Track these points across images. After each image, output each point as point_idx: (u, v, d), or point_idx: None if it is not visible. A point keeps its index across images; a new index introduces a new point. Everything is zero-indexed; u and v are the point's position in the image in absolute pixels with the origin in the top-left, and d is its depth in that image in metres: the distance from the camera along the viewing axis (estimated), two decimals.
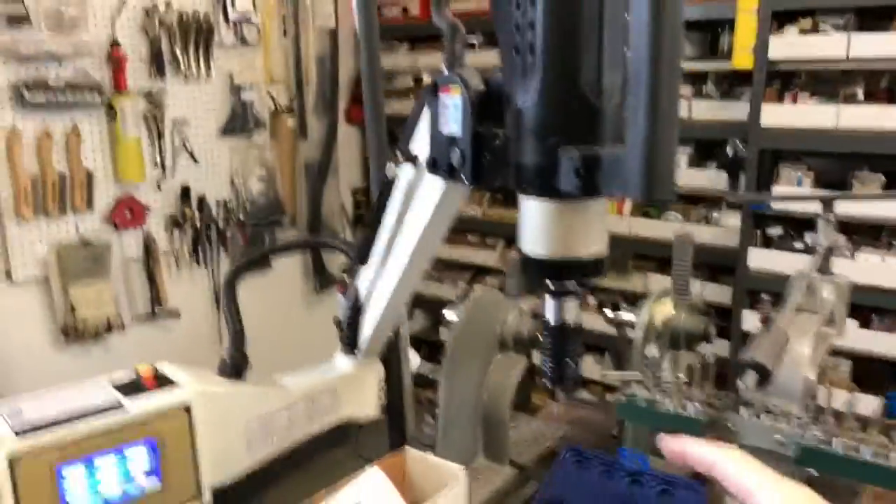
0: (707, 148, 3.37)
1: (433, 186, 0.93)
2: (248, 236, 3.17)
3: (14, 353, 2.54)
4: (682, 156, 3.40)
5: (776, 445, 1.00)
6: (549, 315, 0.75)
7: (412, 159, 0.97)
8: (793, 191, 2.84)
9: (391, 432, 1.45)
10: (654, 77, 0.57)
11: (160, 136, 2.84)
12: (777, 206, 2.86)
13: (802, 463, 0.97)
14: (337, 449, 1.29)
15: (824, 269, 1.27)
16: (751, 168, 2.92)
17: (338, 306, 1.28)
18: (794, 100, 2.89)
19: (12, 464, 0.88)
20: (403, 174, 1.01)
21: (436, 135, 0.86)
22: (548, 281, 0.75)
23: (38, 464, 0.90)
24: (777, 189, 2.82)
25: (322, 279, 3.66)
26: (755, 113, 2.85)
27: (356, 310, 1.22)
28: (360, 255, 1.12)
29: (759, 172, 2.96)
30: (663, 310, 1.39)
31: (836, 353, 2.94)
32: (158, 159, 2.85)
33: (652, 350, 1.13)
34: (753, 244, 3.02)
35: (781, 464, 1.05)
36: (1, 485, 0.87)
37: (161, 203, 2.92)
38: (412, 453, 1.32)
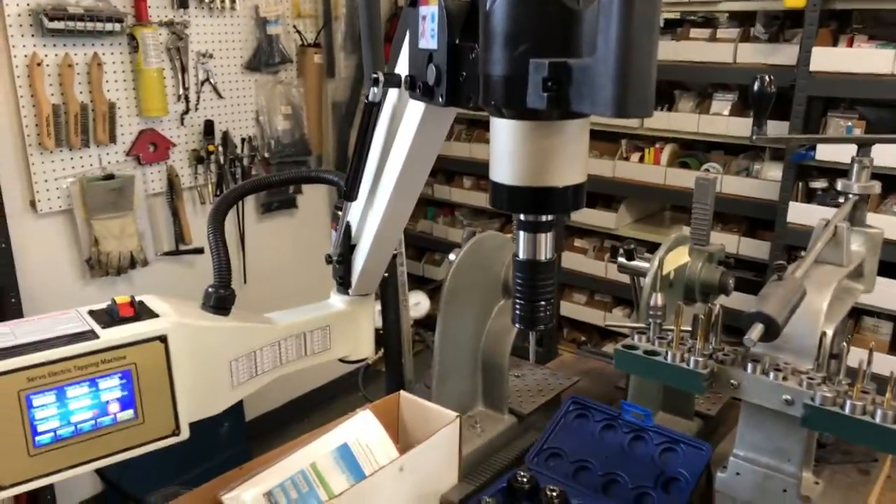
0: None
1: (414, 109, 0.86)
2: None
3: (40, 284, 2.57)
4: (725, 103, 3.24)
5: (782, 405, 0.92)
6: (521, 249, 0.68)
7: (395, 81, 0.89)
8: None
9: (388, 376, 1.41)
10: None
11: (184, 69, 2.80)
12: (822, 157, 2.69)
13: (809, 425, 0.90)
14: (349, 396, 1.25)
15: (855, 218, 1.16)
16: (797, 116, 2.75)
17: (331, 243, 1.23)
18: (850, 43, 2.69)
19: None
20: (388, 98, 0.94)
21: (414, 51, 0.78)
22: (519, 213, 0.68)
23: (4, 389, 0.88)
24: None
25: None
26: (805, 56, 2.67)
27: (347, 245, 1.17)
28: (348, 188, 1.06)
29: (805, 121, 2.79)
30: (678, 258, 1.31)
31: (875, 313, 2.80)
32: (182, 93, 2.81)
33: (657, 299, 1.05)
34: (795, 198, 2.87)
35: (786, 425, 0.97)
36: None
37: (185, 138, 2.89)
38: (406, 397, 1.28)
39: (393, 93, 0.93)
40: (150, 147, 2.76)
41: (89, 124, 2.57)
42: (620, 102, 0.51)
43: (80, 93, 2.54)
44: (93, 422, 0.95)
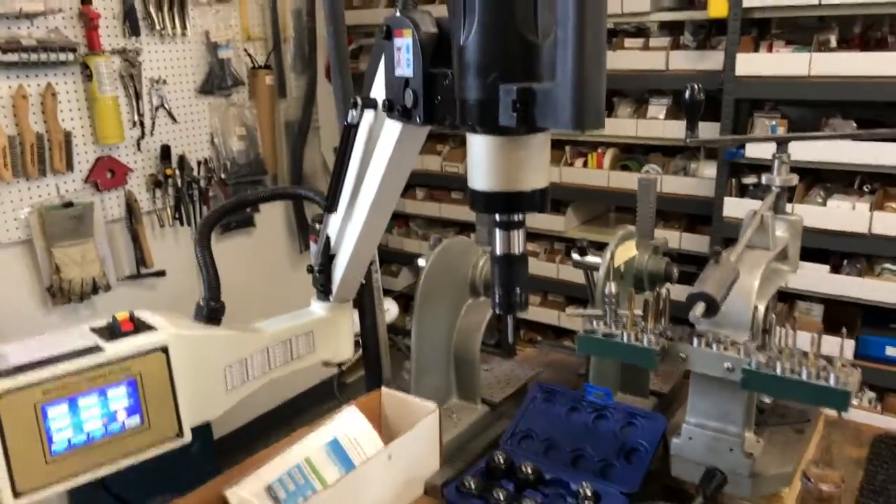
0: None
1: (391, 129, 0.97)
2: (230, 195, 3.19)
3: (1, 315, 2.57)
4: (660, 108, 3.43)
5: (724, 372, 1.05)
6: (497, 246, 0.80)
7: (372, 104, 1.00)
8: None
9: (368, 376, 1.50)
10: (580, 12, 0.60)
11: (138, 95, 2.83)
12: (752, 154, 2.90)
13: (748, 386, 1.03)
14: (314, 410, 1.33)
15: (778, 207, 1.31)
16: (726, 118, 2.95)
17: (311, 254, 1.32)
18: (770, 49, 2.91)
19: None
20: (364, 120, 1.04)
21: (390, 77, 0.89)
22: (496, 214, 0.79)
23: (22, 403, 0.94)
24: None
25: (306, 239, 3.69)
26: (731, 62, 2.87)
27: (328, 256, 1.26)
28: (328, 202, 1.16)
29: (735, 122, 3.00)
30: (627, 252, 1.44)
31: (808, 297, 3.02)
32: (137, 119, 2.85)
33: (611, 287, 1.17)
34: (729, 194, 3.07)
35: (729, 391, 1.11)
36: None
37: (142, 163, 2.92)
38: (387, 393, 1.38)
39: (369, 115, 1.04)
40: (108, 173, 2.79)
41: (46, 153, 2.59)
42: (579, 119, 0.63)
43: (35, 123, 2.56)
44: (103, 429, 1.02)
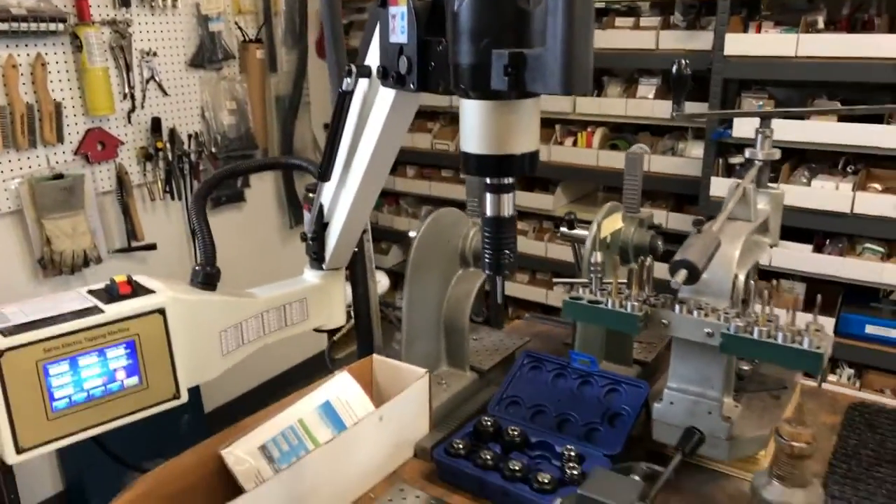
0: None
1: (385, 96, 0.99)
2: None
3: None
4: (650, 87, 3.46)
5: (704, 337, 1.09)
6: (488, 208, 0.82)
7: (366, 72, 1.02)
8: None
9: (359, 344, 1.53)
10: None
11: (128, 67, 2.83)
12: (738, 134, 2.93)
13: (726, 350, 1.07)
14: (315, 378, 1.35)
15: (760, 181, 1.35)
16: (714, 97, 2.98)
17: (305, 222, 1.34)
18: (759, 29, 2.94)
19: None
20: (359, 88, 1.06)
21: (385, 45, 0.91)
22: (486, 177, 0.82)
23: (24, 360, 0.97)
24: (738, 119, 2.89)
25: (296, 214, 3.71)
26: (720, 42, 2.90)
27: (321, 224, 1.29)
28: (322, 171, 1.18)
29: (722, 102, 3.03)
30: (613, 224, 1.48)
31: (791, 276, 3.08)
32: (127, 91, 2.84)
33: (597, 257, 1.21)
34: (716, 173, 3.11)
35: (709, 356, 1.15)
36: None
37: (132, 136, 2.92)
38: (379, 359, 1.41)
39: (363, 83, 1.06)
40: (99, 146, 2.79)
41: (36, 124, 2.59)
42: (567, 83, 0.66)
43: (25, 93, 2.56)
44: (103, 388, 1.05)
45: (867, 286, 2.85)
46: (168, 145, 3.00)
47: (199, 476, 1.12)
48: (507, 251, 0.84)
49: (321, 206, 1.26)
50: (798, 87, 2.98)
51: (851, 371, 2.95)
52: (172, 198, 3.07)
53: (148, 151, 2.96)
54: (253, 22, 3.33)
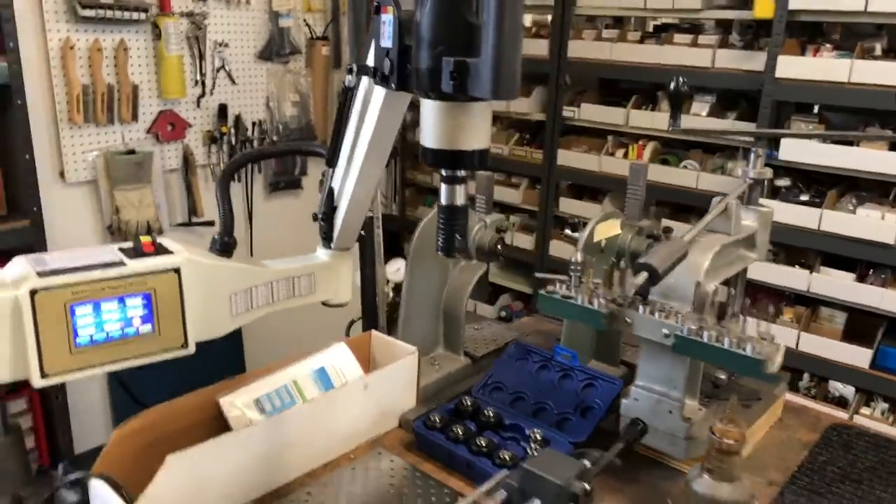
0: (730, 98, 3.42)
1: (378, 94, 1.10)
2: (282, 156, 3.40)
3: (66, 248, 2.84)
4: (704, 105, 3.46)
5: (662, 337, 1.16)
6: (442, 197, 0.93)
7: (366, 71, 1.14)
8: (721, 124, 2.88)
9: (366, 321, 1.65)
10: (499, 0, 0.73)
11: (201, 56, 3.05)
12: (785, 156, 2.91)
13: (678, 350, 1.13)
14: None
15: (749, 198, 1.39)
16: (763, 118, 2.97)
17: (317, 204, 1.47)
18: (816, 53, 2.91)
19: (33, 296, 1.11)
20: (361, 85, 1.18)
21: (377, 48, 1.03)
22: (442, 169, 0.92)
23: (54, 299, 1.13)
24: (785, 140, 2.87)
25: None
26: (772, 63, 2.89)
27: (330, 206, 1.42)
28: (329, 158, 1.31)
29: (774, 124, 3.01)
30: (609, 229, 1.55)
31: (831, 304, 3.03)
32: (199, 78, 3.07)
33: (578, 256, 1.29)
34: (760, 195, 3.08)
35: (672, 358, 1.21)
36: (24, 312, 1.11)
37: (200, 120, 3.15)
38: (377, 335, 1.53)
39: (365, 80, 1.18)
40: (169, 126, 3.02)
41: (114, 103, 2.83)
42: (496, 89, 0.76)
43: (108, 75, 2.81)
44: (121, 331, 1.20)
45: None
46: (232, 130, 3.21)
47: (196, 418, 1.26)
48: (458, 235, 0.94)
49: (331, 190, 1.39)
50: (852, 114, 2.94)
51: (886, 406, 2.88)
52: (233, 180, 3.28)
53: (213, 135, 3.18)
54: (321, 19, 3.51)
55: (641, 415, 1.27)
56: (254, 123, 3.32)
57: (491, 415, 1.37)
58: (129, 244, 1.29)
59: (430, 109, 0.88)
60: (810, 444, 1.42)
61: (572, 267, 1.31)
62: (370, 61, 1.13)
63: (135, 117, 2.90)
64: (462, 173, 0.91)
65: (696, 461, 1.29)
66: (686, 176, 3.46)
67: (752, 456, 1.35)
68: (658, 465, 1.31)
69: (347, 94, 1.18)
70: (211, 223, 3.22)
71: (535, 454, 1.25)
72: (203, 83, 3.09)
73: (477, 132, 0.88)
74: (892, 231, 2.72)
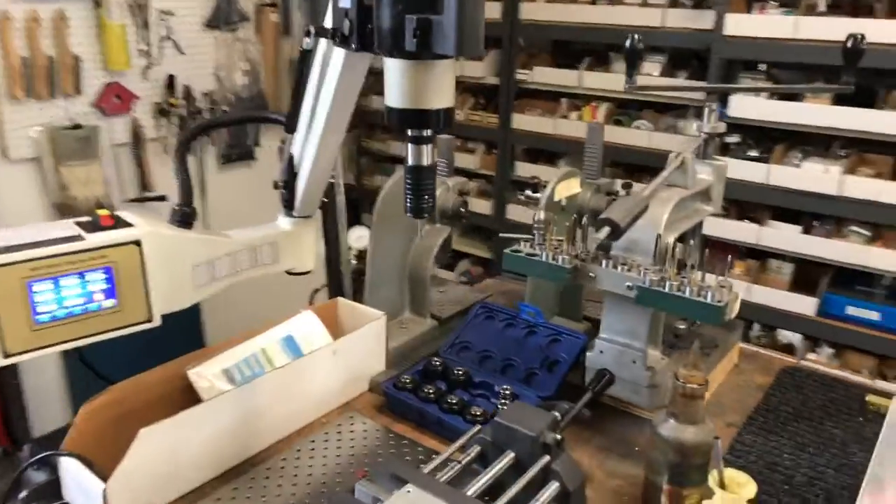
0: (680, 57, 3.46)
1: (338, 56, 1.09)
2: (233, 127, 3.33)
3: (11, 226, 2.75)
4: (655, 65, 3.50)
5: (625, 290, 1.19)
6: (409, 158, 0.93)
7: (325, 33, 1.12)
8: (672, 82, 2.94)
9: (330, 288, 1.65)
10: None
11: (146, 25, 2.95)
12: (735, 114, 2.97)
13: (641, 301, 1.17)
14: None
15: (703, 153, 1.43)
16: (712, 76, 3.02)
17: (277, 171, 1.46)
18: (762, 10, 2.97)
19: None
20: (319, 48, 1.17)
21: (335, 8, 1.01)
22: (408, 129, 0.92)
23: (11, 277, 1.10)
24: (734, 98, 2.93)
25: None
26: (720, 22, 2.93)
27: (291, 173, 1.40)
28: (288, 124, 1.29)
29: (723, 81, 3.06)
30: (569, 188, 1.57)
31: (780, 256, 3.13)
32: (144, 48, 2.97)
33: (541, 215, 1.31)
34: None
35: (634, 310, 1.25)
36: None
37: (148, 92, 3.06)
38: (343, 302, 1.53)
39: (323, 42, 1.16)
40: (115, 99, 2.93)
41: (56, 76, 2.73)
42: (459, 46, 0.76)
43: (47, 47, 2.70)
44: (82, 307, 1.18)
45: (853, 269, 2.90)
46: (182, 102, 3.13)
47: (164, 391, 1.25)
48: (426, 195, 0.94)
49: (291, 156, 1.38)
50: (798, 70, 3.01)
51: (832, 351, 3.01)
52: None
53: (162, 107, 3.09)
54: None
55: (606, 366, 1.31)
56: (204, 94, 3.23)
57: (460, 374, 1.39)
58: (86, 218, 1.27)
59: (393, 69, 0.88)
60: (765, 386, 1.48)
61: (535, 225, 1.33)
62: (328, 22, 1.12)
63: (79, 90, 2.80)
64: (428, 133, 0.91)
65: (660, 409, 1.34)
66: (639, 136, 3.51)
67: (712, 400, 1.41)
68: (623, 414, 1.35)
69: (304, 58, 1.16)
70: (163, 198, 3.15)
71: (506, 408, 1.27)
72: (149, 53, 3.00)
73: (441, 91, 0.88)
74: (835, 183, 2.82)
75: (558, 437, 1.06)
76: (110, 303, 1.21)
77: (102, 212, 1.25)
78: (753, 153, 3.08)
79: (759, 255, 3.18)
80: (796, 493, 1.16)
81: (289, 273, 1.53)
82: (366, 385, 1.45)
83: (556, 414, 1.15)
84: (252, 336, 1.37)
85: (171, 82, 3.10)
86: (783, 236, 3.02)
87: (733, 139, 3.12)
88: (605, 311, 1.30)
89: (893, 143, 2.77)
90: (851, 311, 2.92)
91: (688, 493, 1.07)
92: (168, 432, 1.10)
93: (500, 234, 1.37)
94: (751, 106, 2.89)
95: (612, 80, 3.52)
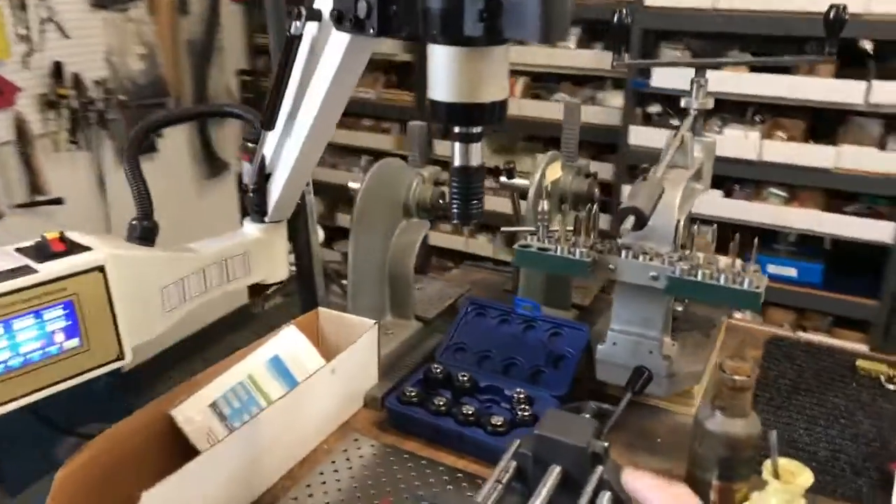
0: (597, 29, 3.47)
1: (338, 42, 0.95)
2: (132, 117, 3.02)
3: None
4: (571, 36, 3.49)
5: (650, 280, 1.14)
6: (456, 158, 0.82)
7: (317, 16, 0.98)
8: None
9: (303, 297, 1.51)
10: None
11: (23, 6, 2.60)
12: (656, 84, 3.01)
13: (671, 292, 1.12)
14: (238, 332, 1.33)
15: (695, 130, 1.40)
16: (634, 48, 3.04)
17: (244, 174, 1.29)
18: None
19: None
20: (307, 32, 1.02)
21: None
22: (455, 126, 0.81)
23: None
24: (656, 69, 2.97)
25: (212, 166, 3.57)
26: None
27: (263, 175, 1.24)
28: (266, 119, 1.13)
29: (643, 52, 3.10)
30: (553, 172, 1.50)
31: (702, 220, 3.23)
32: (24, 32, 2.62)
33: (544, 205, 1.23)
34: (634, 122, 3.20)
35: (650, 299, 1.20)
36: None
37: (31, 82, 2.71)
38: (325, 312, 1.40)
39: (312, 27, 1.02)
40: None
41: None
42: (545, 31, 0.66)
43: None
44: (41, 352, 0.99)
45: (772, 229, 3.03)
46: (72, 92, 2.80)
47: (149, 437, 1.08)
48: (475, 200, 0.84)
49: (263, 157, 1.22)
50: (713, 40, 3.08)
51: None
52: (80, 148, 2.88)
53: (49, 99, 2.75)
54: None
55: (621, 358, 1.26)
56: (96, 82, 2.91)
57: (465, 379, 1.30)
58: (27, 243, 1.06)
59: (442, 57, 0.76)
60: (757, 359, 1.48)
61: (539, 216, 1.25)
62: (320, 3, 0.98)
63: None
64: (478, 130, 0.80)
65: (677, 397, 1.31)
66: (558, 109, 3.49)
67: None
68: (639, 406, 1.31)
69: (290, 45, 1.01)
70: (59, 201, 2.83)
71: (526, 415, 1.20)
72: (29, 38, 2.65)
73: (498, 81, 0.77)
74: (754, 148, 2.93)
75: (605, 444, 1.00)
76: (73, 343, 1.02)
77: (51, 234, 1.05)
78: (675, 122, 3.13)
79: None
80: (825, 471, 1.16)
81: (260, 285, 1.38)
82: (361, 401, 1.33)
83: (588, 416, 1.09)
84: (235, 362, 1.22)
85: (57, 70, 2.77)
86: (707, 201, 3.10)
87: (655, 109, 3.17)
88: (618, 301, 1.25)
89: (803, 107, 2.90)
90: (772, 269, 3.05)
91: (738, 488, 1.04)
92: (170, 492, 0.95)
93: (502, 229, 1.28)
94: (676, 76, 2.93)
95: (528, 54, 3.48)
